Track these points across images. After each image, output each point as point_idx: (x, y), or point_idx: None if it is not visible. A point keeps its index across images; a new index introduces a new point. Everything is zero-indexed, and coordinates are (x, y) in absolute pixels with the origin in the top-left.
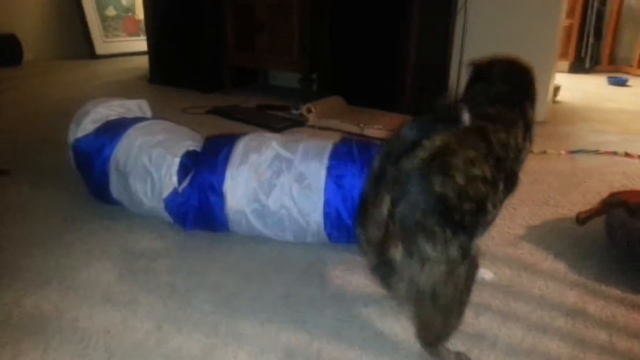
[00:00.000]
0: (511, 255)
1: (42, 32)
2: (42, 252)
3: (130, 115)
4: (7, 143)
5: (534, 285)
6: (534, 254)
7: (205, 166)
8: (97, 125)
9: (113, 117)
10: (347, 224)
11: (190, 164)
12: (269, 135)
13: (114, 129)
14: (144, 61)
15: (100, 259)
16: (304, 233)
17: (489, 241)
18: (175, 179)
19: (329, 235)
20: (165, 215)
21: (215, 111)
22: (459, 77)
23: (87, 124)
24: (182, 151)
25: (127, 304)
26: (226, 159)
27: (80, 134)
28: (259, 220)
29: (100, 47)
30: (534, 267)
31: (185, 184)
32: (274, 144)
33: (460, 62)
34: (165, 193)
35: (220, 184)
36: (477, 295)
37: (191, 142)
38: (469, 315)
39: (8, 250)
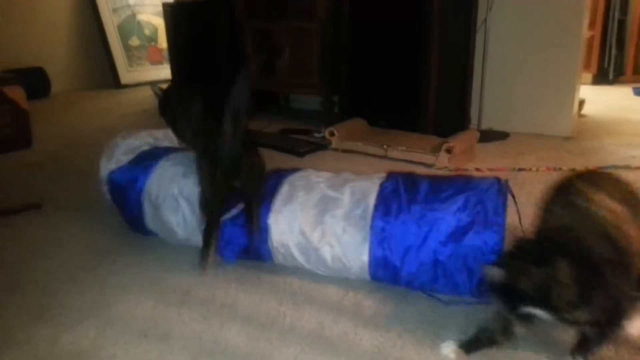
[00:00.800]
0: None
1: (68, 64)
2: (78, 286)
3: (159, 144)
4: (39, 176)
5: None
6: None
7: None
8: (130, 156)
9: (144, 148)
10: (393, 264)
11: None
12: (315, 173)
13: (146, 161)
14: None
15: (134, 293)
16: (346, 271)
17: None
18: None
19: (373, 275)
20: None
21: None
22: (481, 94)
23: (120, 156)
24: None
25: (163, 339)
26: (272, 195)
27: (114, 166)
28: (302, 255)
29: (125, 77)
30: None
31: (229, 216)
32: (322, 186)
33: (482, 78)
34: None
35: (265, 217)
36: None
37: None
38: None
39: (45, 285)
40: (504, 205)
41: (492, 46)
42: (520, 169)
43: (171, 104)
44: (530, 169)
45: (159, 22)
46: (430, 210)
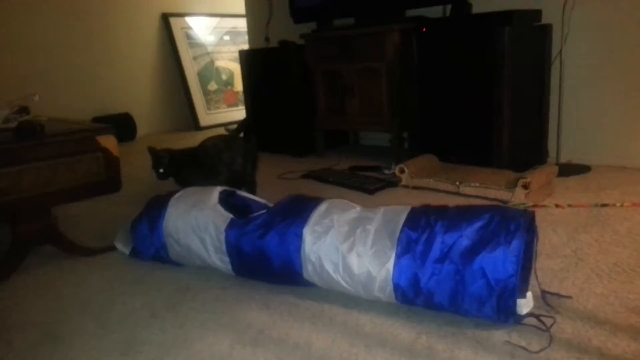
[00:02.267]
0: (636, 324)
1: (153, 109)
2: (160, 323)
3: None
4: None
5: None
6: None
7: (291, 214)
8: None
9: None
10: (416, 273)
11: (227, 196)
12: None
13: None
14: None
15: (212, 330)
16: (372, 281)
17: (607, 308)
18: (224, 214)
19: (396, 283)
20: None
21: (310, 175)
22: (559, 126)
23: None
24: (216, 197)
25: None
26: (311, 210)
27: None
28: (331, 264)
29: (204, 119)
30: None
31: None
32: (358, 209)
33: (559, 110)
34: (223, 226)
35: (302, 227)
36: None
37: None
38: None
39: (131, 321)
40: (527, 223)
41: (569, 77)
42: (603, 205)
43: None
44: (614, 205)
45: (235, 67)
46: (455, 226)
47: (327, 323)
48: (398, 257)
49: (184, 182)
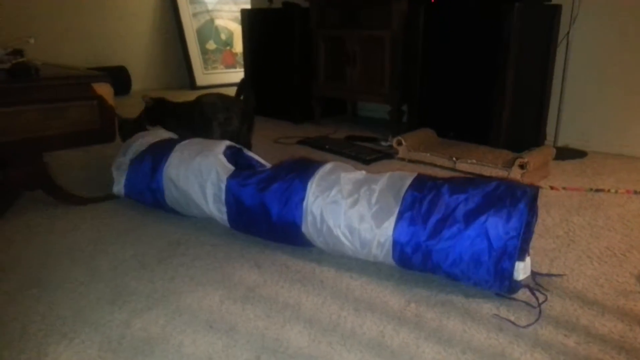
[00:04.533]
0: (623, 307)
1: (149, 65)
2: (150, 275)
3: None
4: None
5: None
6: None
7: (296, 170)
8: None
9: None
10: (417, 228)
11: (233, 153)
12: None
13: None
14: None
15: (202, 285)
16: (372, 236)
17: (597, 290)
18: (228, 166)
19: (397, 238)
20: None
21: (306, 142)
22: (559, 110)
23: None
24: (222, 149)
25: (228, 332)
26: (316, 168)
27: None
28: (331, 216)
29: (200, 79)
30: None
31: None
32: (364, 171)
33: (561, 94)
34: (226, 175)
35: (306, 181)
36: (584, 349)
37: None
38: None
39: (121, 271)
40: (533, 193)
41: (574, 60)
42: (597, 190)
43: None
44: (608, 190)
45: (234, 27)
46: (461, 190)
47: (317, 285)
48: (401, 213)
49: (171, 129)
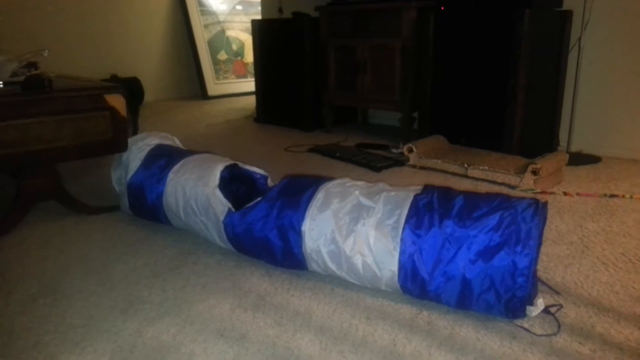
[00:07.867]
0: (639, 314)
1: (161, 76)
2: (161, 283)
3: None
4: None
5: None
6: None
7: (288, 205)
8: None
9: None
10: (422, 276)
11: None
12: (351, 183)
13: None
14: (250, 101)
15: (213, 294)
16: (378, 280)
17: (612, 297)
18: (224, 202)
19: (403, 286)
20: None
21: (316, 150)
22: (572, 115)
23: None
24: (217, 178)
25: (239, 340)
26: (308, 201)
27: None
28: (333, 262)
29: (212, 89)
30: None
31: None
32: (357, 193)
33: (573, 99)
34: (222, 216)
35: (300, 223)
36: (600, 357)
37: (222, 163)
38: None
39: (132, 280)
40: (539, 228)
41: (586, 66)
42: (612, 195)
43: None
44: (623, 196)
45: (245, 38)
46: (462, 227)
47: (328, 293)
48: (402, 261)
49: None
